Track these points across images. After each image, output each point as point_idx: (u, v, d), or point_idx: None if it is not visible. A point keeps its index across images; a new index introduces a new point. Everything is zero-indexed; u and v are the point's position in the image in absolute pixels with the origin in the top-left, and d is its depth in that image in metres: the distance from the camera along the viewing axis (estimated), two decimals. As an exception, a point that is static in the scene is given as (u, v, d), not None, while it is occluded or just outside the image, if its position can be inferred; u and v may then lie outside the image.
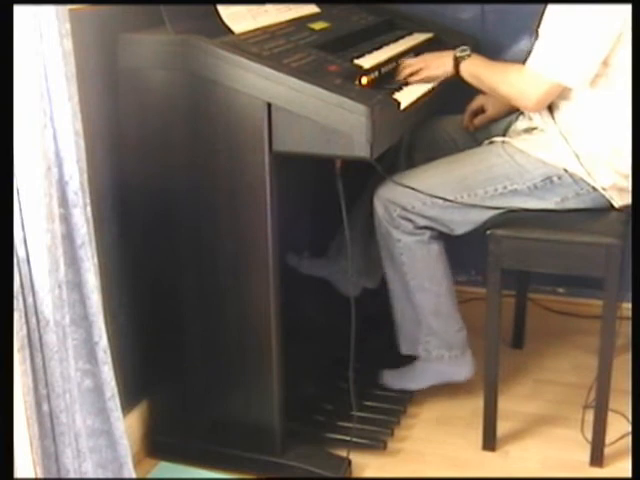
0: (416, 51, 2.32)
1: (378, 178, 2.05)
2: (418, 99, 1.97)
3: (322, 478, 1.98)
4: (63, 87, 1.41)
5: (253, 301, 1.88)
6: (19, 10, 1.32)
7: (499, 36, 2.59)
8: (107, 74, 1.80)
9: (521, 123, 2.13)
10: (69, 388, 1.54)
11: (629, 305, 1.78)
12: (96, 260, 1.56)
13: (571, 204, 2.03)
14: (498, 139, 2.10)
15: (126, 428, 1.70)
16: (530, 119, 2.08)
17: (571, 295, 2.83)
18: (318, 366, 2.34)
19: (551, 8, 1.90)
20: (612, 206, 2.02)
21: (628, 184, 1.96)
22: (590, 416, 2.05)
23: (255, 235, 1.82)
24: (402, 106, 1.83)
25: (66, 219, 1.49)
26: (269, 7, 2.10)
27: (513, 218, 2.02)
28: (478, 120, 2.29)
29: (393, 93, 1.94)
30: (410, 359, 2.24)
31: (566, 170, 1.99)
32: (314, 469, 1.98)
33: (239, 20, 1.95)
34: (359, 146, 1.66)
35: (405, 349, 2.21)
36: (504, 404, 2.13)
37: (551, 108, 2.00)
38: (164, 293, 1.95)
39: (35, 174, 1.38)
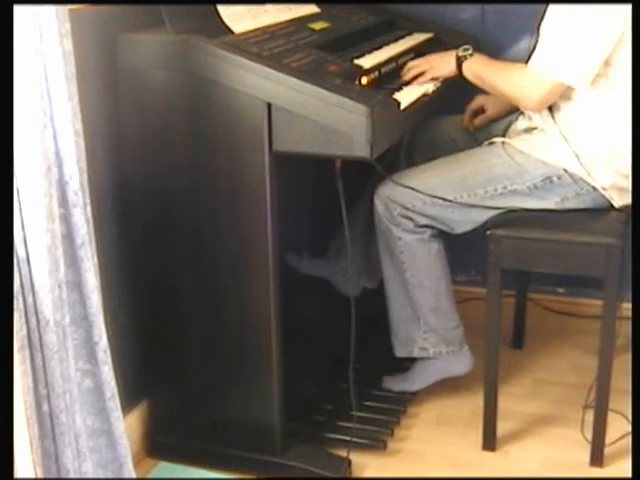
0: (416, 51, 2.32)
1: (378, 178, 2.05)
2: (418, 99, 1.97)
3: (322, 478, 1.98)
4: (63, 87, 1.41)
5: (253, 301, 1.88)
6: (19, 10, 1.32)
7: (499, 36, 2.59)
8: (107, 74, 1.80)
9: (521, 123, 2.13)
10: (69, 388, 1.54)
11: (629, 305, 1.78)
12: (96, 260, 1.56)
13: (571, 204, 2.03)
14: (498, 139, 2.10)
15: (126, 428, 1.70)
16: (530, 119, 2.09)
17: (571, 295, 2.83)
18: (318, 366, 2.34)
19: (552, 8, 1.90)
20: (612, 206, 2.02)
21: (628, 184, 1.96)
22: (590, 416, 2.05)
23: (255, 235, 1.82)
24: (402, 106, 1.83)
25: (66, 219, 1.50)
26: (269, 7, 2.10)
27: (513, 218, 2.02)
28: (478, 120, 2.29)
29: (393, 93, 1.94)
30: (409, 360, 2.24)
31: (566, 170, 1.99)
32: (314, 469, 1.98)
33: (239, 20, 1.95)
34: (359, 146, 1.66)
35: (400, 352, 2.20)
36: (504, 404, 2.13)
37: (551, 108, 2.00)
38: (164, 293, 1.95)
39: (35, 174, 1.38)
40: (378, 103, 1.69)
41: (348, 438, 2.03)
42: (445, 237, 2.12)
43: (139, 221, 1.91)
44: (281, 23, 2.08)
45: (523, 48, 2.50)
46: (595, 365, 2.00)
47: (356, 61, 2.02)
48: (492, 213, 2.04)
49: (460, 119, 2.33)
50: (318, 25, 2.18)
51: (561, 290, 2.85)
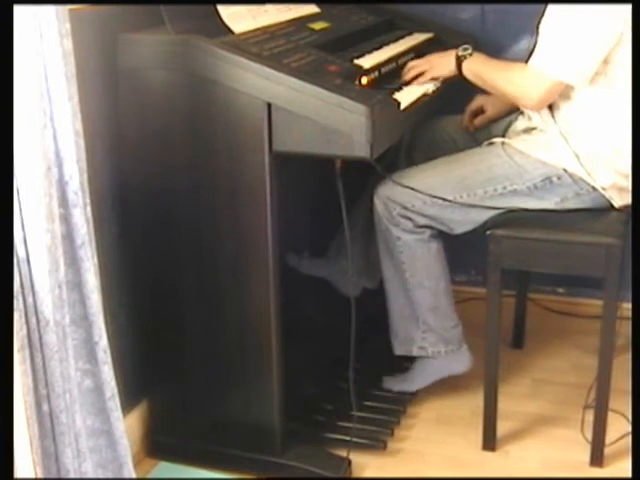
0: (416, 51, 2.32)
1: (378, 178, 2.05)
2: (418, 99, 1.97)
3: (322, 478, 1.98)
4: (63, 87, 1.41)
5: (253, 301, 1.88)
6: (19, 10, 1.32)
7: (499, 36, 2.59)
8: (107, 74, 1.80)
9: (520, 123, 2.13)
10: (69, 388, 1.54)
11: (629, 305, 1.78)
12: (96, 260, 1.56)
13: (571, 204, 2.03)
14: (498, 140, 2.10)
15: (126, 428, 1.70)
16: (529, 119, 2.09)
17: (571, 295, 2.83)
18: (318, 366, 2.34)
19: (552, 7, 1.90)
20: (612, 206, 2.02)
21: (628, 184, 1.96)
22: (590, 416, 2.05)
23: (255, 235, 1.82)
24: (402, 106, 1.83)
25: (66, 219, 1.49)
26: (269, 7, 2.10)
27: (513, 218, 2.02)
28: (478, 120, 2.29)
29: (393, 93, 1.94)
30: (409, 360, 2.24)
31: (566, 170, 1.99)
32: (314, 469, 1.98)
33: (239, 20, 1.95)
34: (359, 146, 1.66)
35: (399, 350, 2.21)
36: (504, 404, 2.13)
37: (551, 107, 2.00)
38: (164, 293, 1.95)
39: (35, 174, 1.38)
40: (378, 103, 1.69)
41: (348, 438, 2.03)
42: (445, 237, 2.12)
43: (139, 221, 1.91)
44: (281, 23, 2.08)
45: (523, 48, 2.50)
46: (595, 365, 2.00)
47: (356, 61, 2.02)
48: (492, 213, 2.04)
49: (460, 119, 2.33)
50: (318, 25, 2.18)
51: (561, 290, 2.85)
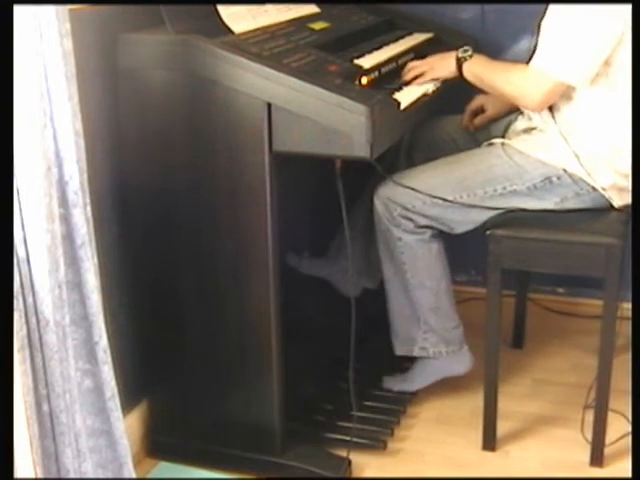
0: (416, 51, 2.32)
1: (378, 178, 2.05)
2: (418, 99, 1.97)
3: (322, 478, 1.98)
4: (63, 87, 1.41)
5: (253, 301, 1.88)
6: (19, 10, 1.32)
7: (499, 36, 2.59)
8: (107, 74, 1.80)
9: (520, 123, 2.13)
10: (69, 388, 1.54)
11: (629, 305, 1.78)
12: (96, 260, 1.56)
13: (571, 204, 2.03)
14: (498, 140, 2.10)
15: (126, 428, 1.70)
16: (529, 119, 2.09)
17: (571, 295, 2.83)
18: (318, 366, 2.34)
19: (553, 8, 1.90)
20: (612, 206, 2.02)
21: (628, 184, 1.96)
22: (590, 416, 2.05)
23: (255, 235, 1.82)
24: (402, 106, 1.83)
25: (66, 219, 1.50)
26: (269, 7, 2.10)
27: (513, 218, 2.02)
28: (478, 120, 2.29)
29: (393, 93, 1.94)
30: (409, 360, 2.24)
31: (565, 170, 1.99)
32: (314, 469, 1.98)
33: (239, 20, 1.95)
34: (359, 146, 1.66)
35: (400, 350, 2.21)
36: (504, 404, 2.13)
37: (551, 108, 2.00)
38: (164, 293, 1.95)
39: (35, 174, 1.38)
40: (378, 103, 1.69)
41: (348, 438, 2.03)
42: (445, 237, 2.12)
43: (139, 221, 1.91)
44: (281, 23, 2.08)
45: (523, 48, 2.50)
46: (595, 365, 2.00)
47: (356, 61, 2.02)
48: (492, 213, 2.04)
49: (460, 119, 2.33)
50: (318, 25, 2.18)
51: (561, 290, 2.85)
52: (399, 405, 2.23)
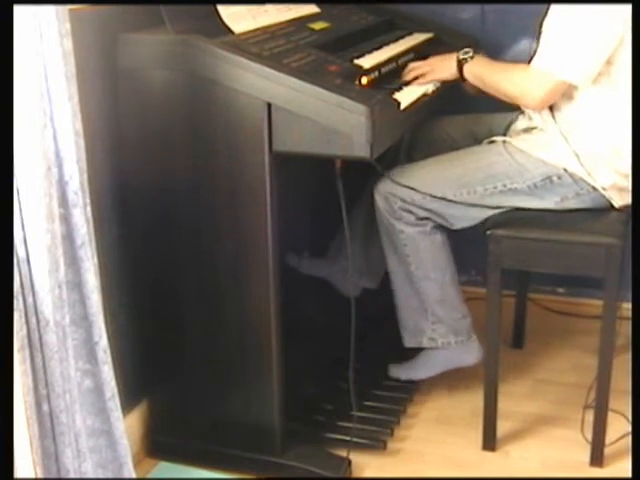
0: (416, 51, 2.32)
1: (378, 178, 2.05)
2: (418, 99, 1.97)
3: (322, 478, 1.98)
4: (63, 87, 1.41)
5: (253, 301, 1.88)
6: (19, 10, 1.32)
7: (499, 36, 2.59)
8: (107, 74, 1.80)
9: (521, 123, 2.13)
10: (69, 388, 1.54)
11: (629, 305, 1.78)
12: (96, 260, 1.56)
13: (571, 204, 2.03)
14: (499, 139, 2.10)
15: (126, 428, 1.70)
16: (530, 119, 2.09)
17: (571, 295, 2.83)
18: (318, 366, 2.34)
19: (554, 8, 1.90)
20: (612, 206, 2.02)
21: (628, 184, 1.96)
22: (590, 416, 2.05)
23: (255, 235, 1.82)
24: (402, 106, 1.83)
25: (66, 219, 1.50)
26: (269, 7, 2.10)
27: (513, 218, 2.02)
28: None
29: (393, 93, 1.94)
30: (414, 352, 2.23)
31: (566, 170, 1.99)
32: (314, 469, 1.98)
33: (239, 20, 1.95)
34: (359, 146, 1.66)
35: (409, 342, 2.20)
36: (504, 404, 2.13)
37: (552, 107, 2.00)
38: (164, 293, 1.95)
39: (35, 174, 1.38)
40: (378, 103, 1.69)
41: (348, 438, 2.03)
42: (446, 236, 2.11)
43: (139, 221, 1.91)
44: (281, 23, 2.08)
45: (523, 48, 2.50)
46: (595, 365, 2.00)
47: (356, 61, 2.02)
48: (491, 211, 2.04)
49: (460, 119, 2.33)
50: (318, 25, 2.18)
51: (561, 290, 2.85)
52: (399, 405, 2.23)
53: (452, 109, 2.32)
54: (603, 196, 2.01)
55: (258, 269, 1.84)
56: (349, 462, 2.01)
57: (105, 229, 1.88)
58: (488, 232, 1.98)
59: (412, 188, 1.99)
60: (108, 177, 1.89)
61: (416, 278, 2.11)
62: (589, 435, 2.05)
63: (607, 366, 1.97)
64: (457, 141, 2.30)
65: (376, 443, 2.09)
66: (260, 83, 1.68)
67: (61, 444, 1.55)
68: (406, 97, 1.92)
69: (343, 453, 2.02)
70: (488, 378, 2.06)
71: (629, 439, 2.01)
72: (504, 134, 2.18)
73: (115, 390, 1.64)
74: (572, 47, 1.86)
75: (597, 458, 2.04)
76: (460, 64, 2.06)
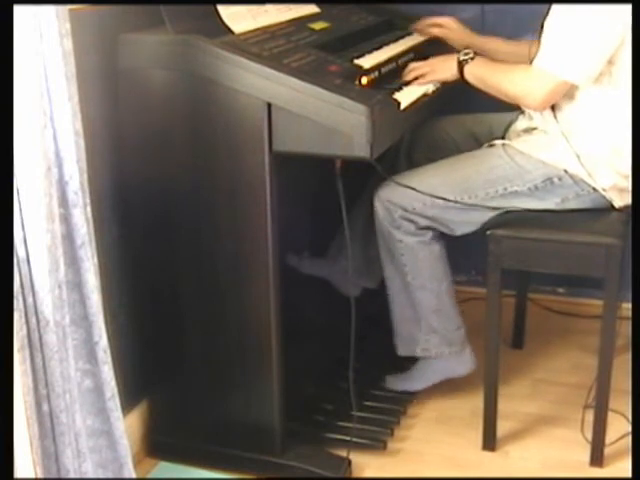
0: (416, 51, 2.32)
1: (378, 178, 2.04)
2: (418, 99, 1.97)
3: (322, 478, 1.98)
4: (63, 87, 1.41)
5: (253, 301, 1.88)
6: (19, 10, 1.32)
7: (499, 36, 2.58)
8: (107, 74, 1.80)
9: (521, 123, 2.13)
10: (69, 388, 1.54)
11: (629, 305, 1.78)
12: (96, 260, 1.56)
13: (571, 205, 2.03)
14: (499, 141, 2.10)
15: (126, 428, 1.70)
16: (530, 118, 2.09)
17: (571, 295, 2.83)
18: (318, 366, 2.34)
19: (555, 7, 1.90)
20: (612, 206, 2.02)
21: (628, 184, 1.96)
22: (590, 416, 2.05)
23: (255, 235, 1.82)
24: (402, 106, 1.83)
25: (66, 219, 1.50)
26: (269, 7, 2.10)
27: (513, 218, 2.02)
28: (435, 30, 2.37)
29: (393, 93, 1.94)
30: (410, 360, 2.24)
31: (566, 171, 1.99)
32: (314, 469, 1.98)
33: (239, 20, 1.95)
34: (359, 146, 1.66)
35: (403, 350, 2.20)
36: (504, 404, 2.13)
37: (553, 107, 2.00)
38: (164, 293, 1.95)
39: (35, 174, 1.38)
40: (378, 103, 1.69)
41: (348, 438, 2.03)
42: (445, 237, 2.12)
43: (139, 221, 1.91)
44: (281, 23, 2.08)
45: (523, 48, 2.50)
46: (595, 365, 2.00)
47: (356, 61, 2.02)
48: (492, 214, 2.03)
49: (460, 119, 2.33)
50: (318, 25, 2.18)
51: (561, 290, 2.85)
52: (399, 405, 2.23)
53: (452, 109, 2.32)
54: (603, 197, 2.01)
55: (258, 269, 1.84)
56: (349, 462, 2.01)
57: (105, 229, 1.88)
58: (488, 232, 1.98)
59: (412, 188, 1.98)
60: (108, 177, 1.89)
61: (412, 288, 2.11)
62: (589, 435, 2.05)
63: (607, 366, 1.97)
64: (457, 141, 2.30)
65: (376, 443, 2.09)
66: (260, 83, 1.68)
67: (61, 444, 1.55)
68: (406, 97, 1.92)
69: (343, 453, 2.02)
70: (488, 378, 2.06)
71: (629, 439, 2.01)
72: (504, 134, 2.18)
73: (115, 390, 1.64)
74: (573, 47, 1.86)
75: (597, 458, 2.04)
76: (461, 65, 2.06)
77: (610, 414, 2.02)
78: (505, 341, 2.49)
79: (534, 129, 2.08)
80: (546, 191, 2.01)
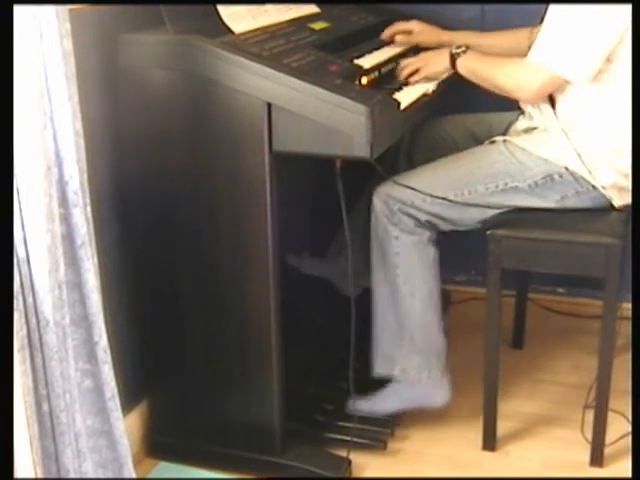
0: (416, 51, 2.31)
1: (378, 178, 2.04)
2: (418, 99, 1.97)
3: (322, 478, 1.98)
4: (63, 87, 1.41)
5: (253, 301, 1.88)
6: (19, 10, 1.32)
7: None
8: (107, 74, 1.80)
9: (521, 123, 2.13)
10: (69, 388, 1.54)
11: (629, 305, 1.78)
12: (96, 260, 1.56)
13: (571, 203, 2.03)
14: (499, 138, 2.10)
15: (126, 428, 1.70)
16: (530, 119, 2.09)
17: (571, 295, 2.83)
18: (318, 366, 2.34)
19: (554, 6, 1.90)
20: (612, 206, 2.02)
21: (628, 184, 1.96)
22: (590, 416, 2.05)
23: (255, 235, 1.82)
24: (402, 106, 1.83)
25: (66, 219, 1.50)
26: (269, 7, 2.10)
27: (513, 218, 2.02)
28: (399, 38, 2.34)
29: (393, 93, 1.94)
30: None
31: (567, 168, 1.99)
32: (314, 469, 1.98)
33: (239, 20, 1.95)
34: (359, 146, 1.66)
35: (380, 369, 2.10)
36: (504, 404, 2.13)
37: (553, 105, 2.00)
38: (164, 293, 1.95)
39: (35, 174, 1.38)
40: (378, 103, 1.69)
41: (348, 438, 2.03)
42: (445, 237, 2.11)
43: (139, 221, 1.91)
44: (281, 23, 2.09)
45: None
46: (595, 365, 2.00)
47: (356, 61, 2.02)
48: (492, 211, 2.03)
49: (460, 119, 2.33)
50: (318, 25, 2.19)
51: (561, 290, 2.85)
52: (399, 405, 2.23)
53: (452, 109, 2.32)
54: (603, 195, 2.01)
55: (258, 269, 1.84)
56: (349, 462, 2.01)
57: (105, 229, 1.88)
58: (488, 232, 1.98)
59: (413, 188, 1.98)
60: (108, 177, 1.89)
61: (400, 295, 2.04)
62: (589, 435, 2.05)
63: (607, 366, 1.97)
64: (457, 141, 2.30)
65: (376, 443, 2.09)
66: (260, 83, 1.68)
67: (61, 444, 1.55)
68: (406, 97, 1.92)
69: (343, 453, 2.02)
70: (488, 378, 2.06)
71: (629, 439, 2.01)
72: (504, 134, 2.18)
73: (115, 390, 1.64)
74: (569, 43, 1.86)
75: (597, 458, 2.04)
76: (453, 58, 2.06)
77: (610, 414, 2.02)
78: (505, 341, 2.49)
79: (534, 129, 2.08)
80: (546, 188, 2.01)
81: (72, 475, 1.58)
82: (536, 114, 2.06)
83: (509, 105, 2.11)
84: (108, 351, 1.61)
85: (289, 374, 1.98)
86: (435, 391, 2.11)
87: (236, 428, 2.01)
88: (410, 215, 2.02)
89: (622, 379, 2.08)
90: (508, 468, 2.06)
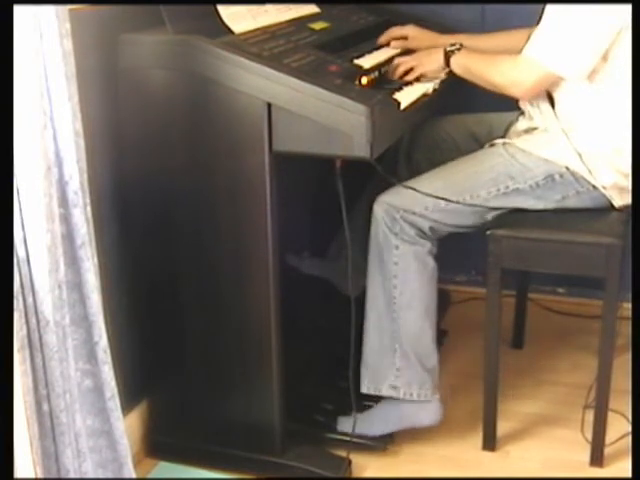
0: (416, 51, 2.32)
1: (378, 178, 2.04)
2: (418, 99, 1.97)
3: (322, 478, 1.98)
4: (63, 87, 1.41)
5: (253, 301, 1.88)
6: (19, 10, 1.32)
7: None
8: (107, 74, 1.80)
9: (521, 123, 2.13)
10: (69, 388, 1.54)
11: (629, 305, 1.78)
12: (96, 260, 1.56)
13: (571, 203, 2.03)
14: (499, 141, 2.10)
15: (126, 428, 1.70)
16: (531, 119, 2.08)
17: (571, 295, 2.83)
18: (318, 366, 2.34)
19: (550, 5, 1.90)
20: (612, 206, 2.02)
21: (628, 184, 1.96)
22: (590, 416, 2.05)
23: (255, 235, 1.82)
24: (402, 106, 1.83)
25: (66, 219, 1.50)
26: (269, 7, 2.10)
27: (513, 218, 2.02)
28: (393, 43, 2.31)
29: (393, 93, 1.94)
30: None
31: (568, 168, 1.99)
32: (314, 469, 1.98)
33: (239, 20, 1.95)
34: (359, 146, 1.67)
35: (367, 386, 2.06)
36: (504, 404, 2.13)
37: (553, 104, 2.00)
38: (164, 293, 1.95)
39: (35, 174, 1.38)
40: (378, 103, 1.69)
41: (348, 438, 2.03)
42: (445, 237, 2.11)
43: (139, 221, 1.91)
44: (281, 23, 2.09)
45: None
46: (595, 365, 2.00)
47: (356, 61, 2.02)
48: (495, 214, 2.03)
49: (460, 119, 2.33)
50: (318, 25, 2.19)
51: (561, 290, 2.85)
52: (399, 405, 2.22)
53: (452, 109, 2.32)
54: (603, 195, 2.01)
55: (258, 269, 1.84)
56: (349, 462, 2.01)
57: (105, 229, 1.88)
58: (488, 232, 1.98)
59: (413, 189, 1.98)
60: (108, 177, 1.89)
61: (396, 306, 1.99)
62: (589, 435, 2.05)
63: (607, 366, 1.97)
64: (457, 141, 2.30)
65: (376, 443, 2.09)
66: (260, 83, 1.68)
67: (61, 444, 1.54)
68: (406, 97, 1.92)
69: (343, 453, 2.02)
70: (488, 378, 2.06)
71: (629, 439, 2.01)
72: (504, 135, 2.18)
73: (115, 390, 1.64)
74: (564, 40, 1.86)
75: (597, 458, 2.04)
76: (447, 56, 2.06)
77: (610, 414, 2.02)
78: (505, 341, 2.49)
79: (534, 129, 2.07)
80: (547, 188, 2.01)
81: (72, 475, 1.58)
82: (536, 114, 2.06)
83: (509, 105, 2.11)
84: (108, 351, 1.61)
85: (289, 374, 1.98)
86: (425, 410, 2.07)
87: (236, 428, 2.01)
88: (412, 223, 1.99)
89: (622, 379, 2.08)
90: (508, 468, 2.06)
